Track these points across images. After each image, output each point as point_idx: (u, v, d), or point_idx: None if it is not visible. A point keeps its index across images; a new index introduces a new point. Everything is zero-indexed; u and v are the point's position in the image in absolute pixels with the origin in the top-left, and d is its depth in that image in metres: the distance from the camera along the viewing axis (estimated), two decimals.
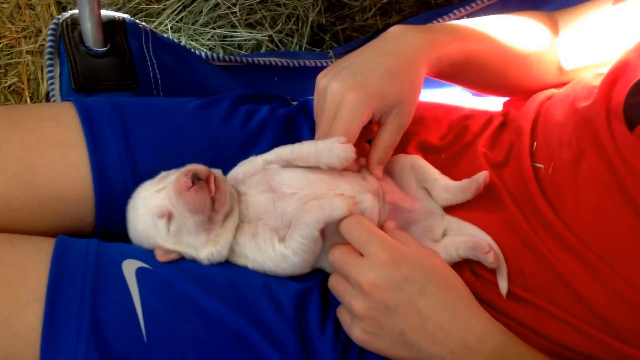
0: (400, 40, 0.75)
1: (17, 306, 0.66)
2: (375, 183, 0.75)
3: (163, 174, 0.74)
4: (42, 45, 1.41)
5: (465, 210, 0.77)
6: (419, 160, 0.79)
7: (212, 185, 0.69)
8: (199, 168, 0.69)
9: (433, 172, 0.78)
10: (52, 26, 0.97)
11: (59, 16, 0.98)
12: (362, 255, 0.67)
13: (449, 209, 0.78)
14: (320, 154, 0.71)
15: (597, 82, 0.74)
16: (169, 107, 0.87)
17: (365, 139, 0.79)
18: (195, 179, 0.67)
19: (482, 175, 0.74)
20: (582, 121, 0.72)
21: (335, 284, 0.69)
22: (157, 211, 0.70)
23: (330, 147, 0.70)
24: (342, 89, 0.71)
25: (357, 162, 0.74)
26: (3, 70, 1.41)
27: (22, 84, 1.41)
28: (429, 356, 0.65)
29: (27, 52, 1.42)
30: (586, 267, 0.66)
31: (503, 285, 0.71)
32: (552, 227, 0.69)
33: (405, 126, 0.74)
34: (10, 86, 1.40)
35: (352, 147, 0.70)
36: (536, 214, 0.71)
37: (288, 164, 0.74)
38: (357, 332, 0.67)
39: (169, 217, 0.70)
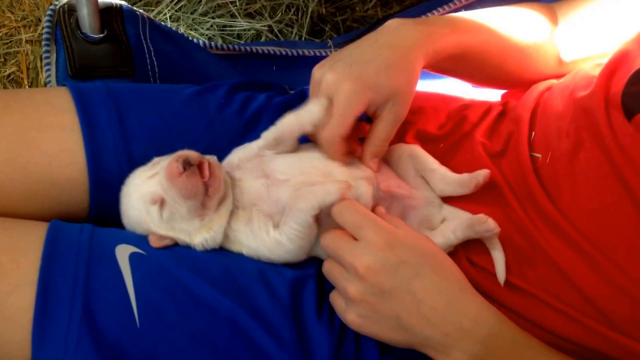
0: (397, 33, 0.74)
1: (9, 289, 0.66)
2: (369, 170, 0.75)
3: (155, 160, 0.74)
4: (42, 34, 1.40)
5: (462, 199, 0.77)
6: (417, 150, 0.79)
7: (207, 171, 0.69)
8: (191, 154, 0.68)
9: (431, 162, 0.78)
10: (49, 12, 0.97)
11: (56, 2, 0.98)
12: (356, 239, 0.67)
13: (447, 199, 0.78)
14: (302, 118, 0.72)
15: (597, 72, 0.74)
16: (165, 93, 0.87)
17: (357, 137, 0.79)
18: (187, 164, 0.67)
19: (483, 174, 0.73)
20: (580, 111, 0.71)
21: (329, 268, 0.69)
22: (150, 198, 0.70)
23: (308, 106, 0.71)
24: (337, 79, 0.70)
25: (347, 156, 0.74)
26: (2, 60, 1.41)
27: (21, 73, 1.41)
28: (423, 339, 0.65)
29: (27, 41, 1.42)
30: (583, 257, 0.66)
31: (501, 274, 0.70)
32: (549, 217, 0.69)
33: (400, 120, 0.74)
34: (9, 75, 1.40)
35: (325, 99, 0.71)
36: (533, 204, 0.71)
37: (277, 144, 0.74)
38: (352, 317, 0.67)
39: (162, 203, 0.69)
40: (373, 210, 0.73)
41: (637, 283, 0.63)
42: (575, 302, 0.67)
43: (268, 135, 0.74)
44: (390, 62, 0.71)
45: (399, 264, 0.64)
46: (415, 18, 0.79)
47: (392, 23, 0.76)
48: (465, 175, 0.75)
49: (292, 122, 0.72)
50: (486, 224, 0.70)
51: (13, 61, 1.41)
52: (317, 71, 0.74)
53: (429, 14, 1.16)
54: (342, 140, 0.72)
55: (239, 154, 0.76)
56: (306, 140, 0.79)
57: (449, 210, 0.77)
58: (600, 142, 0.68)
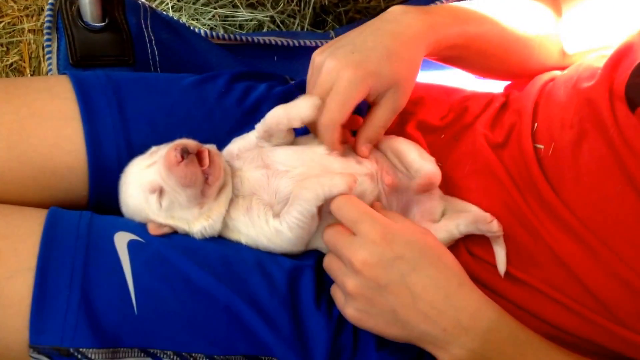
0: (400, 21, 0.74)
1: (7, 275, 0.66)
2: (372, 166, 0.74)
3: (154, 148, 0.73)
4: (44, 23, 1.40)
5: (463, 191, 0.76)
6: (398, 143, 0.77)
7: (207, 160, 0.69)
8: (189, 142, 0.68)
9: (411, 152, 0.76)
10: (51, 1, 0.97)
11: None
12: (355, 234, 0.67)
13: (447, 190, 0.78)
14: (290, 113, 0.71)
15: (601, 63, 0.73)
16: (165, 82, 0.86)
17: (349, 129, 0.79)
18: (185, 153, 0.67)
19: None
20: (584, 102, 0.71)
21: (329, 263, 0.69)
22: (149, 187, 0.70)
23: (298, 102, 0.71)
24: (338, 66, 0.70)
25: (342, 144, 0.74)
26: (5, 49, 1.41)
27: (24, 62, 1.41)
28: (420, 335, 0.65)
29: (29, 30, 1.42)
30: (585, 249, 0.66)
31: (501, 265, 0.70)
32: (551, 208, 0.69)
33: (399, 108, 0.74)
34: (11, 64, 1.40)
35: (317, 98, 0.70)
36: (536, 195, 0.71)
37: (269, 136, 0.74)
38: (350, 311, 0.67)
39: (160, 192, 0.69)
40: (371, 206, 0.72)
41: (639, 275, 0.63)
42: (576, 294, 0.67)
43: (259, 127, 0.74)
44: (393, 50, 0.71)
45: (395, 258, 0.64)
46: (419, 6, 0.78)
47: (396, 10, 0.75)
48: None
49: (280, 116, 0.72)
50: (491, 224, 0.70)
51: (15, 50, 1.41)
52: (318, 56, 0.73)
53: (432, 4, 1.15)
54: (340, 127, 0.71)
55: (239, 144, 0.76)
56: (305, 132, 0.78)
57: (451, 202, 0.77)
58: (603, 133, 0.67)
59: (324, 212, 0.70)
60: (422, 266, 0.65)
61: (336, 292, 0.70)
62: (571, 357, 0.66)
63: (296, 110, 0.71)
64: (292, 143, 0.76)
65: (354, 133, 0.78)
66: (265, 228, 0.71)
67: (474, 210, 0.73)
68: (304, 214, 0.68)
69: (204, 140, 0.72)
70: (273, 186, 0.72)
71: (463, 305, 0.64)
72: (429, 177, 0.73)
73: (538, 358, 0.65)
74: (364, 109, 0.88)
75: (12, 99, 0.78)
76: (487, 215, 0.70)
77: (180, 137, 0.70)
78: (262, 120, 0.73)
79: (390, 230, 0.66)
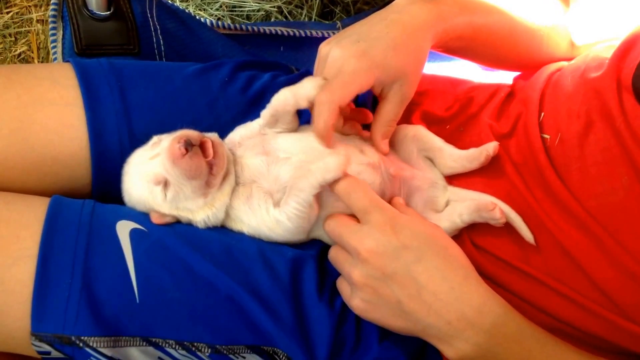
0: (407, 11, 0.73)
1: (9, 262, 0.66)
2: (375, 156, 0.74)
3: (155, 139, 0.73)
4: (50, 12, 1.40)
5: (467, 180, 0.76)
6: (421, 130, 0.78)
7: (210, 150, 0.68)
8: (191, 134, 0.68)
9: (437, 141, 0.77)
10: None
11: None
12: (360, 223, 0.67)
13: (451, 180, 0.77)
14: (297, 93, 0.70)
15: (609, 53, 0.73)
16: (168, 70, 0.86)
17: (359, 122, 0.78)
18: (189, 145, 0.66)
19: (492, 146, 0.73)
20: (591, 92, 0.70)
21: (334, 254, 0.69)
22: (153, 178, 0.69)
23: (303, 82, 0.70)
24: (344, 55, 0.70)
25: (332, 135, 0.72)
26: (13, 39, 1.42)
27: (32, 52, 1.41)
28: (425, 327, 0.64)
29: (37, 20, 1.42)
30: (591, 240, 0.65)
31: (527, 234, 0.69)
32: (558, 198, 0.68)
33: (407, 100, 0.73)
34: (20, 54, 1.41)
35: (323, 78, 0.70)
36: (542, 185, 0.70)
37: (276, 121, 0.73)
38: (357, 302, 0.67)
39: (165, 184, 0.69)
40: (388, 200, 0.72)
41: None
42: (581, 287, 0.66)
43: (265, 112, 0.73)
44: (399, 41, 0.70)
45: (402, 248, 0.64)
46: None
47: (403, 1, 0.75)
48: (473, 150, 0.74)
49: (287, 97, 0.71)
50: (493, 212, 0.69)
51: (24, 40, 1.42)
52: (324, 47, 0.73)
53: None
54: (337, 111, 0.69)
55: (241, 132, 0.76)
56: (309, 122, 0.78)
57: (454, 192, 0.76)
58: (610, 124, 0.67)
59: (324, 200, 0.70)
60: (428, 257, 0.64)
61: (342, 284, 0.69)
62: (576, 352, 0.65)
63: (303, 90, 0.70)
64: (296, 131, 0.75)
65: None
66: (266, 217, 0.71)
67: (476, 199, 0.73)
68: (301, 203, 0.68)
69: (206, 129, 0.72)
70: (273, 173, 0.71)
71: (468, 298, 0.63)
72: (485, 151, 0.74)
73: (544, 353, 0.64)
74: (369, 104, 0.87)
75: (14, 85, 0.77)
76: (489, 203, 0.70)
77: (182, 126, 0.70)
78: (269, 104, 0.73)
79: (398, 221, 0.65)
